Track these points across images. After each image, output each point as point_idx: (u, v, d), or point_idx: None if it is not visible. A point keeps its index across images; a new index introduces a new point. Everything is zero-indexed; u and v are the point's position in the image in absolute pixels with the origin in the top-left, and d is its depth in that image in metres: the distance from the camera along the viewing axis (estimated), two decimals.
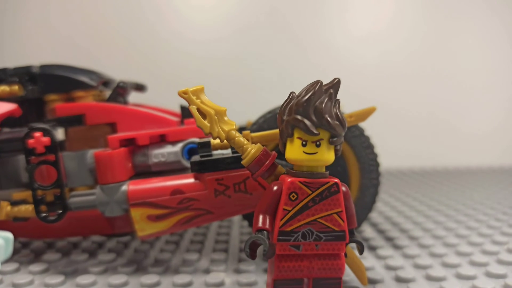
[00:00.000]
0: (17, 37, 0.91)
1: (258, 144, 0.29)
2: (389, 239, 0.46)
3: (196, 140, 0.38)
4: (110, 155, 0.35)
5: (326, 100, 0.26)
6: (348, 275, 0.35)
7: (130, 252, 0.43)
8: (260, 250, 0.26)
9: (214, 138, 0.29)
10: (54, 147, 0.35)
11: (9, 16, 0.90)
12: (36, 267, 0.38)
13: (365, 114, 0.37)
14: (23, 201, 0.38)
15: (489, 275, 0.36)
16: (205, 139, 0.36)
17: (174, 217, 0.35)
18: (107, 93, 0.45)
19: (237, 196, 0.34)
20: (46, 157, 0.35)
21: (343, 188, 0.27)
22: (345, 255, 0.29)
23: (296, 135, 0.26)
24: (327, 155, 0.26)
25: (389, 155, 0.63)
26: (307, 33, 0.95)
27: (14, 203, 0.37)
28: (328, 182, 0.27)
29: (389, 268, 0.38)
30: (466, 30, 0.97)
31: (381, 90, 0.96)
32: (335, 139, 0.26)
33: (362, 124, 0.41)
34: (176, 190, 0.34)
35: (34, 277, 0.36)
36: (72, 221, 0.38)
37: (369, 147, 0.41)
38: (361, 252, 0.29)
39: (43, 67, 0.41)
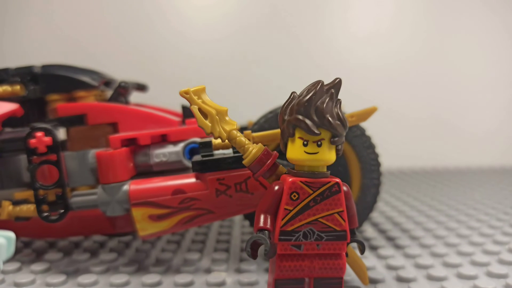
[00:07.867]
0: (19, 37, 0.91)
1: (260, 144, 0.29)
2: (390, 239, 0.46)
3: (198, 140, 0.38)
4: (111, 155, 0.35)
5: (327, 100, 0.26)
6: (349, 274, 0.35)
7: (132, 251, 0.43)
8: (261, 250, 0.26)
9: (216, 138, 0.29)
10: (56, 147, 0.35)
11: (11, 15, 0.90)
12: (37, 266, 0.38)
13: (366, 114, 0.37)
14: (25, 201, 0.38)
15: (490, 275, 0.36)
16: (207, 139, 0.36)
17: (175, 216, 0.35)
18: (109, 93, 0.45)
19: (238, 196, 0.34)
20: (48, 156, 0.35)
21: (344, 188, 0.27)
22: (346, 254, 0.29)
23: (297, 135, 0.26)
24: (328, 155, 0.26)
25: (390, 155, 0.63)
26: (308, 32, 0.95)
27: (16, 203, 0.38)
28: (329, 182, 0.27)
29: (390, 268, 0.38)
30: (467, 31, 0.97)
31: (382, 90, 0.95)
32: (336, 139, 0.26)
33: (363, 124, 0.41)
34: (178, 190, 0.34)
35: (35, 276, 0.36)
36: (74, 220, 0.38)
37: (370, 147, 0.41)
38: (362, 251, 0.29)
39: (44, 67, 0.42)
